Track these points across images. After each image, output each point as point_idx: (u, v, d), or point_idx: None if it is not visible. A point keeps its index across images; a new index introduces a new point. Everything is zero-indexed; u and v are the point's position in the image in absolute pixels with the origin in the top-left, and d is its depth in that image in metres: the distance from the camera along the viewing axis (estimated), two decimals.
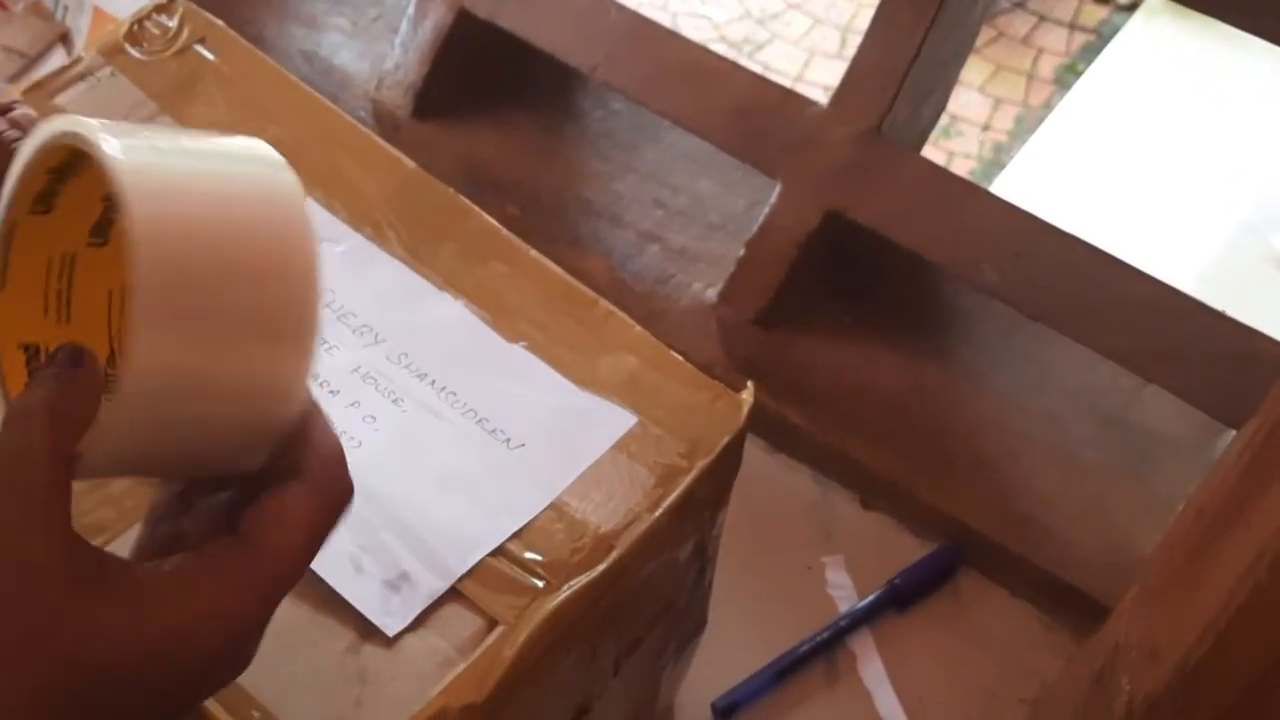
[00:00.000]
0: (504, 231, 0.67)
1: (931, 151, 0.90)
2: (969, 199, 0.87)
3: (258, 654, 0.52)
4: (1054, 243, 0.83)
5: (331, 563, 0.54)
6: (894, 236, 0.86)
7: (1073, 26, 2.50)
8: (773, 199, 0.88)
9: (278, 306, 0.39)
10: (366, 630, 0.53)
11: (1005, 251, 0.83)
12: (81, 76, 0.71)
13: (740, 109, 0.90)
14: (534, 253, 0.66)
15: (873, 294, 0.92)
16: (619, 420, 0.60)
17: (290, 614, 0.53)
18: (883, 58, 0.86)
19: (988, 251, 0.84)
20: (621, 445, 0.59)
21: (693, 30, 2.44)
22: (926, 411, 0.87)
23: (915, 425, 0.86)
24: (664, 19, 2.40)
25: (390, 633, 0.53)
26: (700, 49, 0.94)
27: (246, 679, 0.51)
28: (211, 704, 0.50)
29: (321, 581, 0.54)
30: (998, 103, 2.39)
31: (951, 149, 2.29)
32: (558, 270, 0.66)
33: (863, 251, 0.90)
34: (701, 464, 0.59)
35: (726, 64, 0.93)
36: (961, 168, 2.24)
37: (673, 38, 0.94)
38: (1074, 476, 0.84)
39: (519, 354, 0.62)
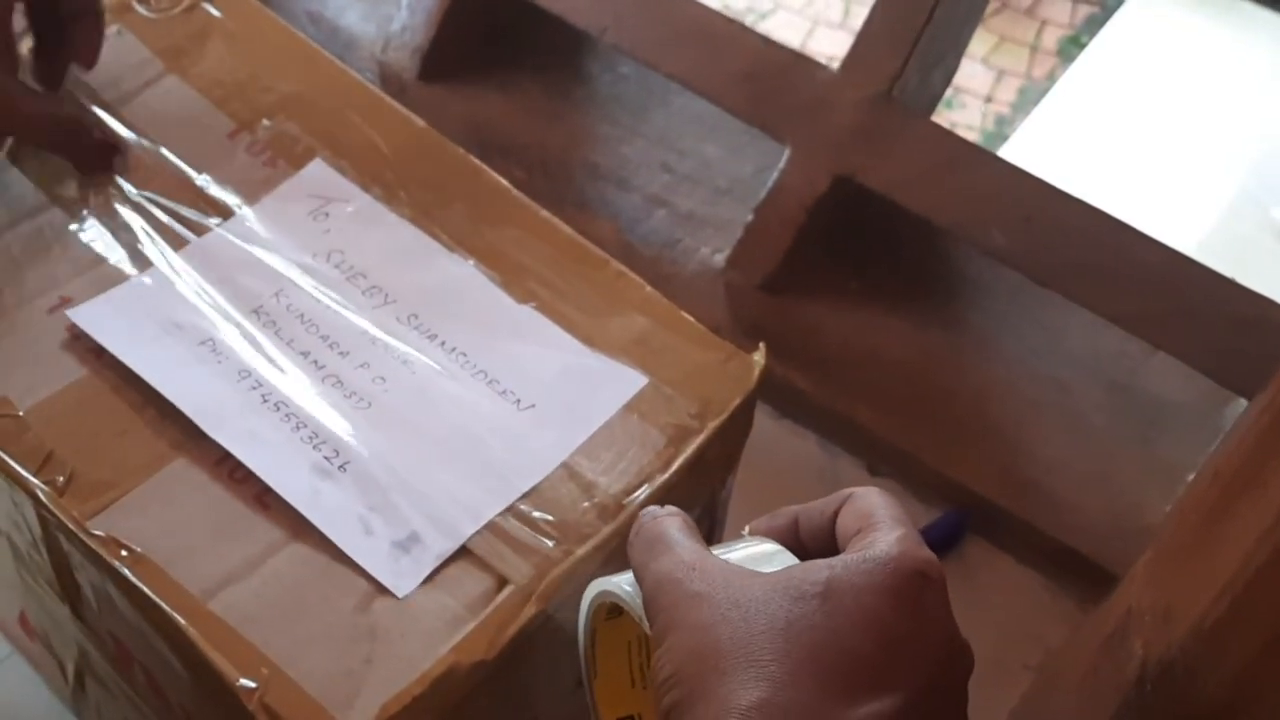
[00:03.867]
0: (514, 192, 0.66)
1: None
2: (978, 164, 0.86)
3: (268, 611, 0.52)
4: (1063, 208, 0.83)
5: (341, 524, 0.54)
6: (903, 201, 0.85)
7: None
8: (781, 163, 0.88)
9: None
10: (377, 588, 0.53)
11: (1014, 216, 0.83)
12: None
13: (749, 73, 0.90)
14: (544, 213, 0.66)
15: (881, 259, 0.92)
16: (630, 380, 0.60)
17: (301, 571, 0.53)
18: (895, 21, 0.86)
19: (996, 216, 0.83)
20: (632, 405, 0.59)
21: None
22: (934, 377, 0.87)
23: (922, 391, 0.86)
24: None
25: (400, 594, 0.53)
26: (710, 12, 0.93)
27: (256, 635, 0.51)
28: (221, 660, 0.50)
29: (332, 541, 0.54)
30: (1001, 74, 2.38)
31: (954, 120, 2.28)
32: (568, 230, 0.65)
33: (871, 216, 0.90)
34: (713, 425, 0.59)
35: (736, 27, 0.92)
36: None
37: (682, 0, 0.94)
38: (1081, 443, 0.84)
39: (529, 314, 0.62)
